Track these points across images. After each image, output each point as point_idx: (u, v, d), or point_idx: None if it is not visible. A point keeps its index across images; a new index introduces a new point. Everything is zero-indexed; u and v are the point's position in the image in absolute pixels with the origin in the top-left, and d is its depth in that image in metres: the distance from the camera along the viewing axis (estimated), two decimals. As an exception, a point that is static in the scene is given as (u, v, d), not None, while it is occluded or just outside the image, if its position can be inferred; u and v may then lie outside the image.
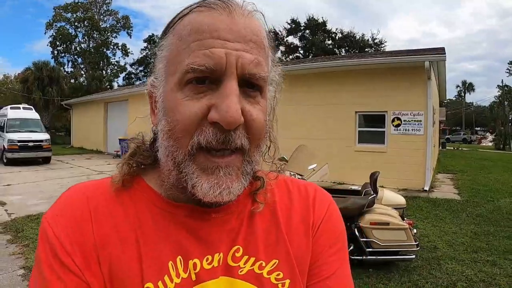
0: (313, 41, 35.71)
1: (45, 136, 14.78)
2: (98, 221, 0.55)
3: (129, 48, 43.01)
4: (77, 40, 40.51)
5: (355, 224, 3.89)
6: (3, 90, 35.91)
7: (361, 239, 3.86)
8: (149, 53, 40.91)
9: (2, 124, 14.75)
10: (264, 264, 0.58)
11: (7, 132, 14.20)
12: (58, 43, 39.26)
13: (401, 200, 4.43)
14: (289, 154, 4.53)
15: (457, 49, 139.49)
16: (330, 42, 36.93)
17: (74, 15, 39.37)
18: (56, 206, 0.58)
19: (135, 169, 0.61)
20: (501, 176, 12.09)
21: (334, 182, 9.35)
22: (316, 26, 36.40)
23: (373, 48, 34.49)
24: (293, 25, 37.18)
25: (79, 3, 39.58)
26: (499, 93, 48.48)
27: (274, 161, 0.65)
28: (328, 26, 36.68)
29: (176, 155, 0.51)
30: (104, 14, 41.98)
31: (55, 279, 0.51)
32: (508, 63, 58.47)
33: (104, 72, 41.81)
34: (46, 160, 14.55)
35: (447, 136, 42.18)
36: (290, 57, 36.98)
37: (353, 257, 3.88)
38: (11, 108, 16.07)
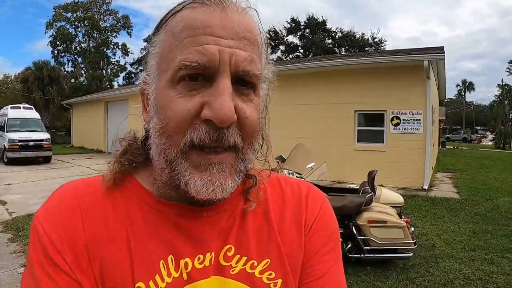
0: (313, 40, 35.71)
1: (45, 135, 14.80)
2: (89, 220, 0.55)
3: (129, 48, 43.18)
4: (77, 39, 40.60)
5: (353, 222, 3.91)
6: (3, 90, 35.94)
7: (359, 237, 3.88)
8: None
9: (3, 124, 14.78)
10: (256, 264, 0.57)
11: (7, 131, 14.23)
12: (58, 42, 39.31)
13: (399, 198, 4.45)
14: (288, 153, 4.56)
15: (457, 48, 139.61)
16: (330, 41, 36.93)
17: (74, 15, 39.41)
18: (47, 204, 0.57)
19: (126, 167, 0.61)
20: (500, 175, 12.10)
21: (333, 181, 9.38)
22: (316, 25, 36.39)
23: (373, 47, 34.48)
24: (293, 24, 37.17)
25: (79, 3, 39.62)
26: (499, 92, 48.45)
27: (266, 159, 0.65)
28: (328, 25, 36.74)
29: (168, 153, 0.51)
30: (104, 14, 42.02)
31: (46, 278, 0.51)
32: (508, 62, 58.45)
33: (104, 71, 41.86)
34: (46, 160, 14.59)
35: (447, 135, 42.15)
36: (290, 56, 37.01)
37: (351, 255, 3.92)
38: (11, 107, 16.10)
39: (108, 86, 38.00)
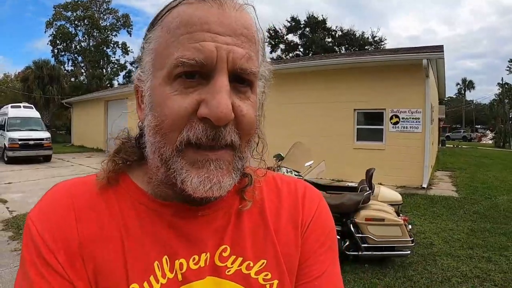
0: (313, 39, 35.68)
1: (45, 134, 14.81)
2: (83, 220, 0.54)
3: (129, 47, 42.92)
4: (77, 38, 40.53)
5: (351, 220, 3.93)
6: (3, 89, 35.98)
7: (357, 235, 3.90)
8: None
9: (3, 123, 14.78)
10: (252, 264, 0.57)
11: (8, 130, 14.25)
12: (58, 41, 39.26)
13: (397, 196, 4.47)
14: (286, 152, 4.58)
15: (458, 46, 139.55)
16: (330, 40, 36.90)
17: (74, 14, 39.34)
18: (40, 204, 0.56)
19: (120, 166, 0.59)
20: (500, 173, 12.12)
21: (333, 180, 9.40)
22: (316, 24, 36.35)
23: (373, 46, 34.45)
24: (293, 23, 37.13)
25: (79, 2, 39.54)
26: (499, 91, 48.41)
27: (262, 158, 0.63)
28: (328, 24, 36.72)
29: (164, 151, 0.50)
30: (104, 13, 41.94)
31: (39, 278, 0.50)
32: (509, 61, 58.40)
33: (104, 70, 41.81)
34: (46, 159, 14.60)
35: (447, 134, 42.15)
36: (290, 55, 36.99)
37: (348, 253, 3.94)
38: (11, 107, 16.10)
39: (108, 85, 38.00)
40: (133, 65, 44.49)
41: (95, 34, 40.85)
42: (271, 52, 37.49)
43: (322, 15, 36.69)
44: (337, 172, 9.34)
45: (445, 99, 38.04)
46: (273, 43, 37.47)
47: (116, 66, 43.31)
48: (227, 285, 0.55)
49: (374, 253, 3.94)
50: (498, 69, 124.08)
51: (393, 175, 9.15)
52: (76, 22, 39.73)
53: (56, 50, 39.72)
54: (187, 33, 0.48)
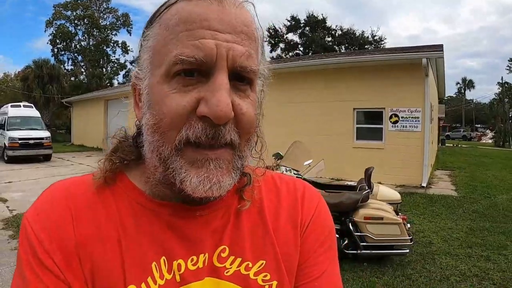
0: (312, 38, 35.67)
1: (45, 133, 14.82)
2: (79, 220, 0.53)
3: (129, 46, 42.81)
4: (77, 38, 40.46)
5: (350, 218, 3.95)
6: (3, 88, 35.97)
7: (355, 234, 3.92)
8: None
9: (3, 122, 14.79)
10: (250, 265, 0.56)
11: (8, 130, 14.26)
12: (58, 41, 39.21)
13: (396, 195, 4.49)
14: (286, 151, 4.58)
15: (458, 46, 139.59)
16: (330, 39, 36.89)
17: (74, 13, 39.28)
18: (36, 204, 0.56)
19: (117, 165, 0.59)
20: (499, 172, 12.13)
21: (332, 179, 9.40)
22: (316, 23, 36.33)
23: (373, 45, 34.45)
24: (293, 22, 37.11)
25: (79, 1, 39.49)
26: (499, 90, 48.40)
27: (261, 157, 0.62)
28: (328, 23, 36.70)
29: (162, 151, 0.49)
30: (104, 12, 41.88)
31: (34, 279, 0.50)
32: (509, 60, 58.30)
33: (104, 69, 41.79)
34: (46, 158, 14.61)
35: (447, 133, 42.18)
36: (290, 54, 36.98)
37: (347, 251, 3.95)
38: (11, 106, 16.11)
39: (108, 84, 37.98)
40: (133, 64, 43.85)
41: (95, 33, 40.81)
42: (271, 51, 37.54)
43: (322, 14, 36.74)
44: (337, 171, 9.34)
45: (445, 98, 38.04)
46: (273, 42, 37.45)
47: (116, 65, 43.28)
48: (226, 286, 0.54)
49: (373, 251, 3.96)
50: (498, 68, 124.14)
51: (393, 174, 9.16)
52: (76, 21, 39.69)
53: (56, 49, 39.69)
54: (186, 30, 0.47)
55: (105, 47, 41.62)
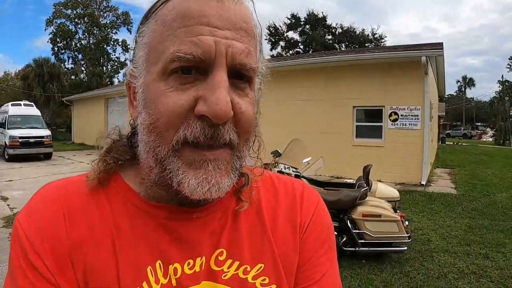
0: (313, 36, 35.63)
1: (46, 132, 14.85)
2: (72, 222, 0.52)
3: (129, 44, 42.62)
4: (77, 36, 40.42)
5: (348, 216, 3.96)
6: (3, 87, 35.96)
7: (354, 231, 3.93)
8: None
9: (4, 121, 14.82)
10: (249, 269, 0.54)
11: (8, 128, 14.28)
12: (58, 39, 39.18)
13: (394, 193, 4.50)
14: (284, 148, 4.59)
15: (458, 44, 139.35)
16: (330, 37, 36.85)
17: (74, 12, 39.25)
18: (28, 205, 0.54)
19: (112, 166, 0.57)
20: (499, 171, 12.12)
21: (332, 176, 9.42)
22: (316, 21, 36.29)
23: (373, 43, 34.39)
24: (293, 20, 37.07)
25: (79, 0, 39.50)
26: (500, 89, 48.29)
27: (259, 156, 0.61)
28: (328, 21, 36.66)
29: (159, 151, 0.47)
30: (104, 10, 41.83)
31: (25, 282, 0.48)
32: (509, 58, 58.03)
33: (104, 68, 41.78)
34: (47, 156, 14.64)
35: (447, 131, 42.18)
36: (290, 52, 36.95)
37: (345, 248, 3.97)
38: (12, 104, 16.14)
39: (109, 83, 38.00)
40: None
41: (95, 32, 40.78)
42: (271, 49, 37.50)
43: (322, 12, 36.75)
44: (336, 169, 9.36)
45: (446, 96, 38.03)
46: (273, 40, 37.41)
47: (116, 63, 43.24)
48: None
49: (371, 249, 3.97)
50: (499, 67, 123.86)
51: (392, 172, 9.18)
52: (76, 20, 39.64)
53: (56, 48, 39.67)
54: (184, 27, 0.45)
55: (105, 46, 41.60)
